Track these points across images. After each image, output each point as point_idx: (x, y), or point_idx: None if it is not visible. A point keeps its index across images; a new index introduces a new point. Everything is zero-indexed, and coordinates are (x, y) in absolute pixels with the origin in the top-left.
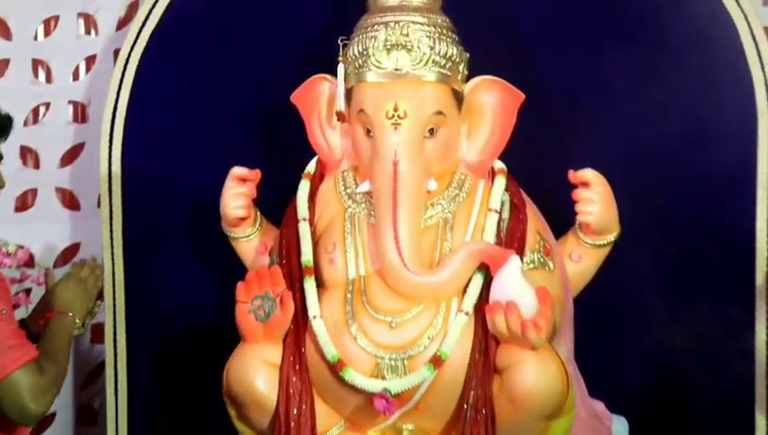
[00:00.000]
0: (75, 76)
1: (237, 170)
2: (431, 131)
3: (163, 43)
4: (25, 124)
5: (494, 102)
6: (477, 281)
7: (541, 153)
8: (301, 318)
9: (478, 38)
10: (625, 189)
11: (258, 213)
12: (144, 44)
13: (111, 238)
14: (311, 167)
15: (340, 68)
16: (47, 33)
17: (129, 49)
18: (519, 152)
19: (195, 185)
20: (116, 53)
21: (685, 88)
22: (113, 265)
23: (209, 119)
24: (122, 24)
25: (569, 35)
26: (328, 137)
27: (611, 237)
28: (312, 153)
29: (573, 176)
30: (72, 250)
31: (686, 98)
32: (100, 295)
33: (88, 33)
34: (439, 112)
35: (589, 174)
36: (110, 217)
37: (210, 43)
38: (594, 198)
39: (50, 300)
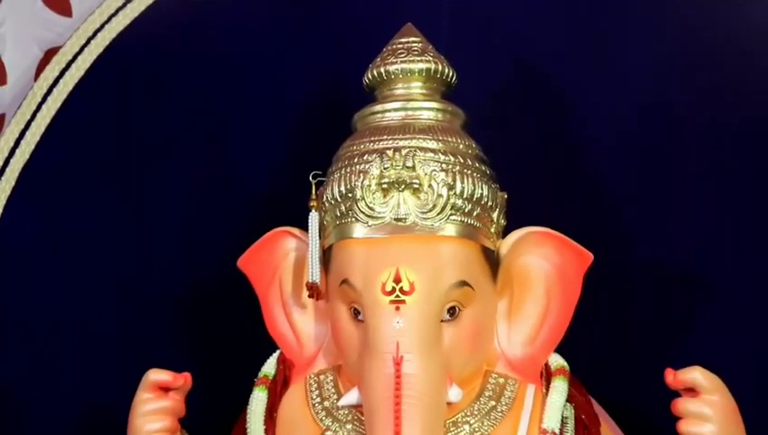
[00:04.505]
0: None
1: (155, 375)
2: (452, 312)
3: (41, 182)
4: None
5: (547, 268)
6: None
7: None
8: None
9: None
10: None
11: None
12: (12, 184)
13: None
14: (269, 368)
15: (313, 217)
16: None
17: None
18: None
19: (85, 401)
20: None
21: None
22: None
23: (110, 295)
24: None
25: None
26: (295, 322)
27: None
28: (270, 347)
29: (673, 377)
30: None
31: None
32: None
33: None
34: (464, 283)
35: (697, 375)
36: None
37: (114, 181)
38: (708, 413)
39: None
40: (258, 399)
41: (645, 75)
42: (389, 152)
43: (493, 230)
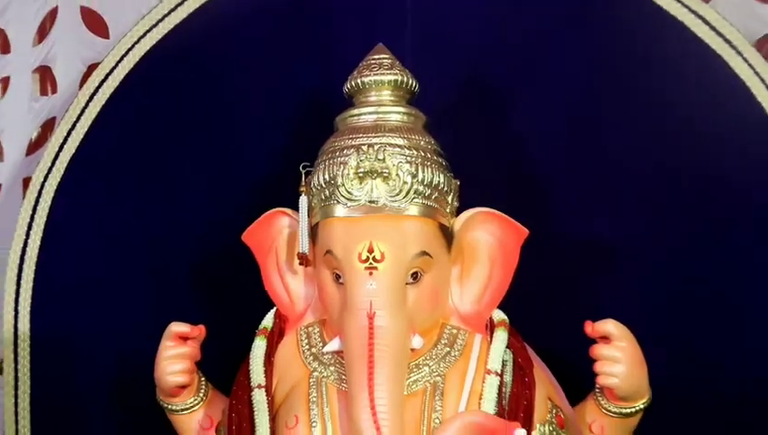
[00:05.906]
0: None
1: (176, 327)
2: (414, 277)
3: (84, 171)
4: None
5: (491, 241)
6: None
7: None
8: None
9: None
10: None
11: (203, 379)
12: (61, 172)
13: (16, 414)
14: (267, 321)
15: (303, 200)
16: None
17: (42, 178)
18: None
19: (121, 347)
20: (25, 182)
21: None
22: None
23: (141, 263)
24: (34, 147)
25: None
26: (288, 284)
27: (641, 404)
28: (268, 304)
29: (591, 328)
30: None
31: None
32: None
33: None
34: (424, 253)
35: (610, 326)
36: (15, 387)
37: (143, 170)
38: (618, 356)
39: None
40: (258, 346)
41: (575, 79)
42: (364, 147)
43: (448, 210)
